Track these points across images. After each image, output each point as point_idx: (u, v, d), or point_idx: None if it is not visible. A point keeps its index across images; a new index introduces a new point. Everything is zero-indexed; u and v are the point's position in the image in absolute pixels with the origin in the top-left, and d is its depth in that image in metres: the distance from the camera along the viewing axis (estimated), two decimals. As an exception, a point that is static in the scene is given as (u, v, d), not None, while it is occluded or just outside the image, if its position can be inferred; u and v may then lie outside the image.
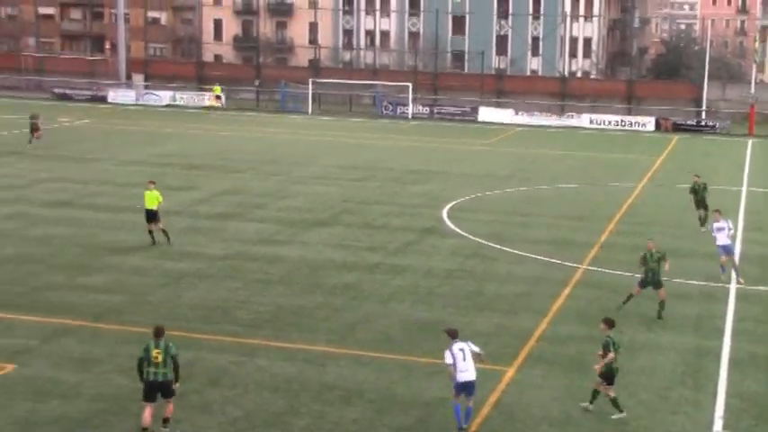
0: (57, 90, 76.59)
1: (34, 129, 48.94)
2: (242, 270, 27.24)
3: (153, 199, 29.30)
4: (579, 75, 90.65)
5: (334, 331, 22.17)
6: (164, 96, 75.14)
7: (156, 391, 16.11)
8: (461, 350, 16.71)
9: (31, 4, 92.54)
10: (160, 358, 16.04)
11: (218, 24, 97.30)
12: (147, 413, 16.08)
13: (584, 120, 70.85)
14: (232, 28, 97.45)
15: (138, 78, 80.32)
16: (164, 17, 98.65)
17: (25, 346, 20.59)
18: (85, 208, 34.93)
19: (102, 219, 33.18)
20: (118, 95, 75.40)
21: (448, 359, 16.71)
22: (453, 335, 17.02)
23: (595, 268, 28.38)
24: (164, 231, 29.49)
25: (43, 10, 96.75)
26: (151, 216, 29.36)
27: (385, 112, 72.71)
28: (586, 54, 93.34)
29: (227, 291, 25.14)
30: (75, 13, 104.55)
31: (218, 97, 72.89)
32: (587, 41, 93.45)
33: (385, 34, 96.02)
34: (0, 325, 21.84)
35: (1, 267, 26.68)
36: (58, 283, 25.34)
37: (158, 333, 16.27)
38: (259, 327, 22.33)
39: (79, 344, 20.86)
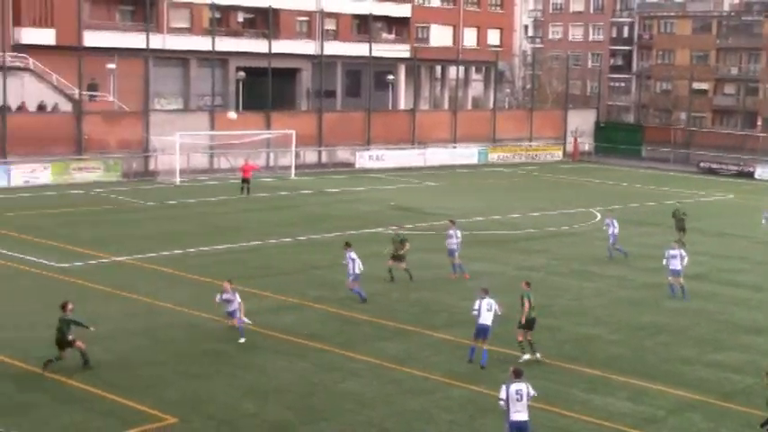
0: (702, 164, 76.90)
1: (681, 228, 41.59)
2: None
3: None
4: None
5: None
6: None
7: None
8: (518, 391, 17.50)
9: (685, 79, 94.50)
10: None
11: None
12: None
13: None
14: None
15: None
16: None
17: (653, 415, 20.77)
18: (722, 283, 34.44)
19: (740, 296, 32.44)
20: (766, 172, 73.53)
21: (501, 393, 17.67)
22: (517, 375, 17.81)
23: None
24: None
25: (697, 85, 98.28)
26: None
27: None
28: None
29: None
30: (729, 89, 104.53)
31: None
32: None
33: None
34: (632, 390, 22.31)
35: (636, 333, 27.31)
36: (689, 357, 25.22)
37: None
38: None
39: (705, 420, 20.56)
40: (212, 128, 61.98)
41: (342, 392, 21.55)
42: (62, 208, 46.36)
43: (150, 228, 41.79)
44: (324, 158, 68.16)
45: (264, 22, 73.35)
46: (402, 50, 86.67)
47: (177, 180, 56.24)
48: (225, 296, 24.87)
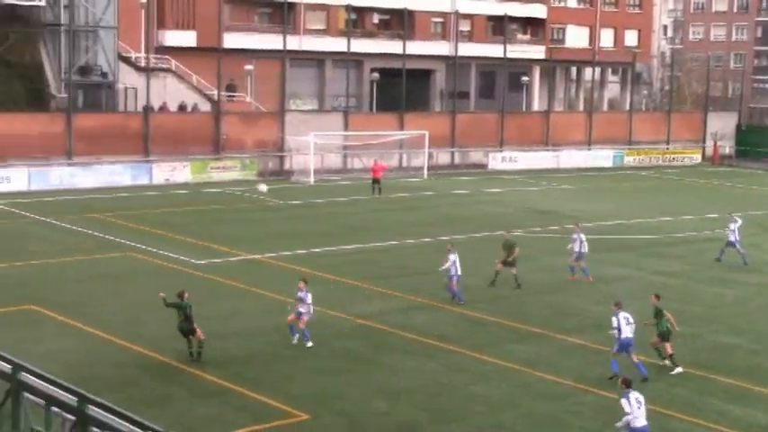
0: None
1: None
2: None
3: None
4: None
5: None
6: None
7: None
8: (637, 399, 17.72)
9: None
10: None
11: None
12: None
13: None
14: None
15: None
16: None
17: (794, 428, 20.05)
18: None
19: None
20: None
21: (626, 408, 17.61)
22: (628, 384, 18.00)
23: None
24: None
25: None
26: None
27: None
28: None
29: None
30: None
31: None
32: None
33: None
34: (747, 397, 21.59)
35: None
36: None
37: None
38: None
39: None
40: (346, 128, 62.57)
41: (471, 394, 21.43)
42: (200, 206, 47.49)
43: (284, 226, 42.43)
44: (456, 160, 67.99)
45: (399, 23, 73.69)
46: (537, 51, 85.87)
47: (312, 179, 56.98)
48: (299, 294, 24.73)
